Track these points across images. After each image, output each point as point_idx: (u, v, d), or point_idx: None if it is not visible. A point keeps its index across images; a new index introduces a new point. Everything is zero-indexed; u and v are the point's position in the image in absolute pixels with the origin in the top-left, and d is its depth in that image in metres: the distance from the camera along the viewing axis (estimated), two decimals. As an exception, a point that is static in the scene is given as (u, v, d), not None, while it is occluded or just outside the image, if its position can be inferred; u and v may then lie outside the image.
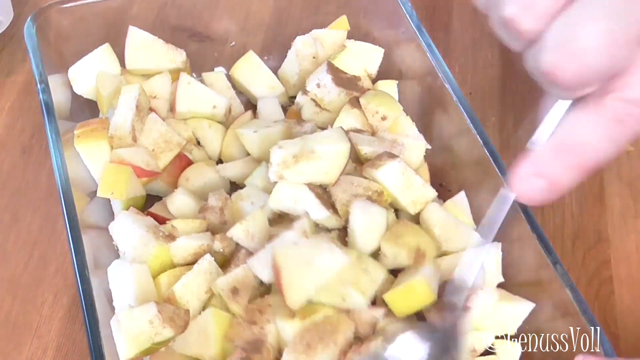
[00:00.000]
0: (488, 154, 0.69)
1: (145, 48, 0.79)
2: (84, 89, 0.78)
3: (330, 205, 0.68)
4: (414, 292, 0.61)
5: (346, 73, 0.80)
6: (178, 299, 0.64)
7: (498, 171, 0.67)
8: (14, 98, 0.87)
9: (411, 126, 0.78)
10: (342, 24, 0.86)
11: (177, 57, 0.81)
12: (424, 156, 0.77)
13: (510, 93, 0.90)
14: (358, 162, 0.73)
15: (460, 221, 0.70)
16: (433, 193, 0.71)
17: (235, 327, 0.61)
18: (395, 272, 0.66)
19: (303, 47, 0.83)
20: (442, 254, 0.68)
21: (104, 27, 0.81)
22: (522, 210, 0.65)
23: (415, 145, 0.76)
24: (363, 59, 0.84)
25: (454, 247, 0.68)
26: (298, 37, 0.83)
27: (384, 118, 0.76)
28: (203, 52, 0.85)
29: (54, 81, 0.74)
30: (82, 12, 0.79)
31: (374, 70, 0.84)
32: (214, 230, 0.70)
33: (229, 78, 0.85)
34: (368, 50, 0.84)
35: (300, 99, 0.80)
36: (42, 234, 0.76)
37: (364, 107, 0.76)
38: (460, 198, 0.73)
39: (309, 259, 0.60)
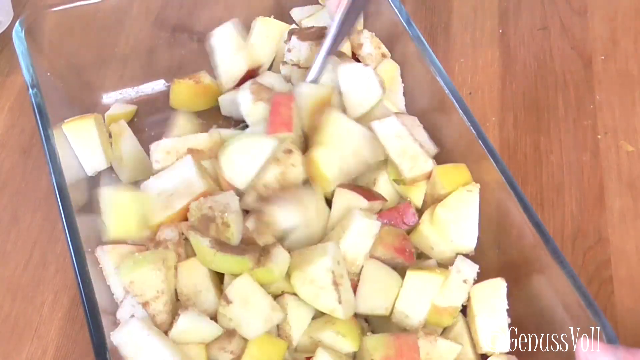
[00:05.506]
0: (488, 154, 0.69)
1: None
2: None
3: None
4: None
5: (311, 27, 0.82)
6: None
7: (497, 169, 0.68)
8: (14, 98, 0.87)
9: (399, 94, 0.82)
10: None
11: None
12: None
13: (510, 93, 0.90)
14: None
15: None
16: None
17: None
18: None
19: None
20: None
21: (105, 28, 0.81)
22: (523, 208, 0.65)
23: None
24: None
25: None
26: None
27: None
28: (203, 52, 0.85)
29: (48, 84, 0.73)
30: (82, 13, 0.79)
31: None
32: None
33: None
34: None
35: (284, 70, 0.82)
36: (42, 234, 0.76)
37: None
38: None
39: None
